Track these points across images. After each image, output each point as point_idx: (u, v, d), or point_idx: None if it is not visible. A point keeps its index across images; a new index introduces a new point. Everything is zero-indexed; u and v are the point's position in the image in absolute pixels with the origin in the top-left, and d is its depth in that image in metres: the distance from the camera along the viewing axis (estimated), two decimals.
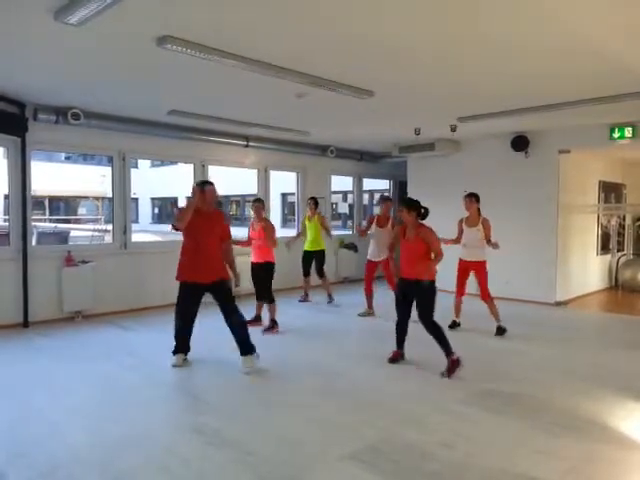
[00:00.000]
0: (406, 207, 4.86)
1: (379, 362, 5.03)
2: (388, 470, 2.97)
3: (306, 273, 8.26)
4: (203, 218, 4.74)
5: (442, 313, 7.06)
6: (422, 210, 4.85)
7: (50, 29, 3.77)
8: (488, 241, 6.20)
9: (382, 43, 4.13)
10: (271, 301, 6.34)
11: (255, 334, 6.17)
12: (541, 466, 3.01)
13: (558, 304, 8.11)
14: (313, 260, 8.15)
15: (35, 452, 3.17)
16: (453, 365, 4.61)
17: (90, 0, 3.23)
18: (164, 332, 6.11)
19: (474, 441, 3.35)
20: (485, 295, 6.26)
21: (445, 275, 7.47)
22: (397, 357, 5.03)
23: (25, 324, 6.45)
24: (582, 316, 7.73)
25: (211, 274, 4.71)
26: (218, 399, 4.11)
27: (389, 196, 7.67)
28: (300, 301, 8.36)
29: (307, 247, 8.19)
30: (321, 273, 8.18)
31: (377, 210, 8.23)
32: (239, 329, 4.77)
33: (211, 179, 8.48)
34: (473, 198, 6.32)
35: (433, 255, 4.77)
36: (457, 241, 6.38)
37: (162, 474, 2.93)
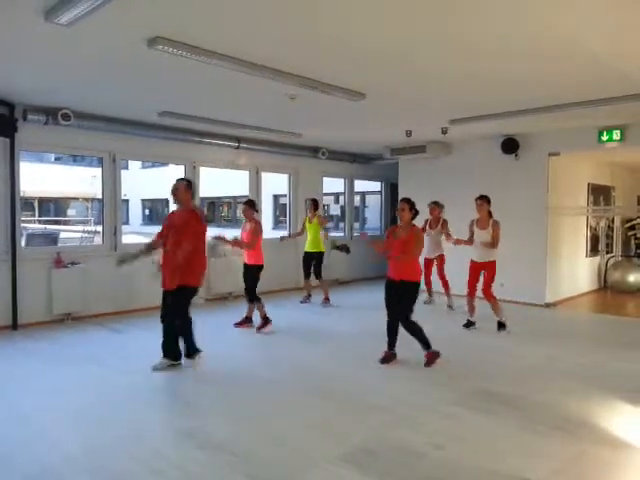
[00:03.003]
0: (409, 205, 5.02)
1: (372, 363, 5.03)
2: (380, 471, 2.97)
3: (307, 275, 8.25)
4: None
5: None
6: (415, 211, 5.09)
7: (40, 29, 3.75)
8: (488, 242, 6.29)
9: (374, 46, 4.15)
10: (256, 300, 6.40)
11: (249, 334, 6.19)
12: (531, 466, 3.03)
13: (548, 305, 8.17)
14: (312, 261, 8.13)
15: (23, 456, 3.14)
16: (432, 358, 4.93)
17: (80, 0, 3.21)
18: (154, 334, 6.07)
19: (466, 442, 3.36)
20: (488, 291, 6.38)
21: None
22: (389, 358, 5.06)
23: (14, 327, 6.38)
24: (571, 317, 7.79)
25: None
26: (210, 402, 4.09)
27: (437, 201, 8.06)
28: (302, 302, 8.33)
29: (307, 248, 8.19)
30: (319, 275, 8.16)
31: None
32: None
33: (202, 180, 8.53)
34: (484, 200, 6.43)
35: (407, 255, 4.88)
36: (470, 242, 6.49)
37: (154, 478, 2.91)
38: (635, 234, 10.65)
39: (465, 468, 3.02)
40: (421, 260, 7.75)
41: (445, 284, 7.98)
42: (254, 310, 6.51)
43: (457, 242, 6.60)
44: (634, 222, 10.73)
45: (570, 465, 3.07)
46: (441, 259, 8.01)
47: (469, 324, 6.54)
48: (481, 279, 6.46)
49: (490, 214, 6.46)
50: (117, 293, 7.33)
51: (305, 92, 5.41)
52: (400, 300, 4.93)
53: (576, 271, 9.34)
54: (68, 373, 4.74)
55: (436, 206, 8.00)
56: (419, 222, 6.46)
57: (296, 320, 7.18)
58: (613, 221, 10.53)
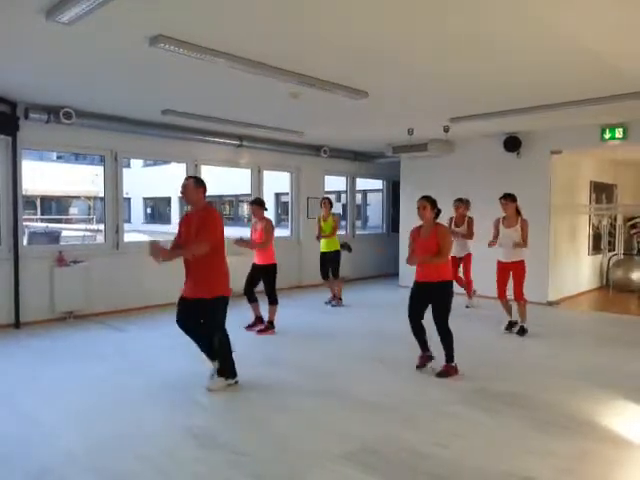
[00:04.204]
0: (430, 204, 4.69)
1: (376, 362, 5.03)
2: (383, 470, 2.97)
3: (325, 275, 8.10)
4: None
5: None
6: (438, 210, 4.76)
7: (41, 28, 3.75)
8: (520, 242, 6.05)
9: (375, 45, 4.14)
10: (274, 303, 6.28)
11: (249, 334, 6.19)
12: (536, 465, 3.02)
13: (550, 304, 8.15)
14: (329, 261, 8.03)
15: (25, 455, 3.15)
16: (449, 371, 4.63)
17: None
18: (157, 332, 6.09)
19: (470, 441, 3.36)
20: (520, 296, 6.19)
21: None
22: (425, 361, 4.79)
23: (16, 325, 6.39)
24: (574, 315, 7.78)
25: None
26: (212, 401, 4.09)
27: (462, 197, 7.85)
28: (327, 303, 8.17)
29: (323, 248, 8.07)
30: (336, 274, 8.05)
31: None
32: None
33: (203, 178, 8.49)
34: (509, 199, 6.17)
35: (437, 257, 4.59)
36: (494, 243, 6.22)
37: (156, 477, 2.91)
38: (638, 232, 10.60)
39: (468, 467, 3.01)
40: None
41: (469, 284, 7.82)
42: (259, 308, 6.40)
43: (490, 245, 6.22)
44: (636, 220, 10.69)
45: (574, 464, 3.06)
46: (468, 258, 7.73)
47: (511, 325, 6.30)
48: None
49: (518, 212, 6.18)
50: (119, 292, 7.33)
51: (307, 90, 5.40)
52: (434, 303, 4.63)
53: (578, 269, 9.33)
54: (70, 371, 4.75)
55: (461, 203, 7.74)
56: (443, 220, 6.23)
57: (298, 319, 7.17)
58: (615, 219, 10.50)
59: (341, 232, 11.50)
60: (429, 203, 4.67)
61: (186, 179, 4.38)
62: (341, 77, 5.07)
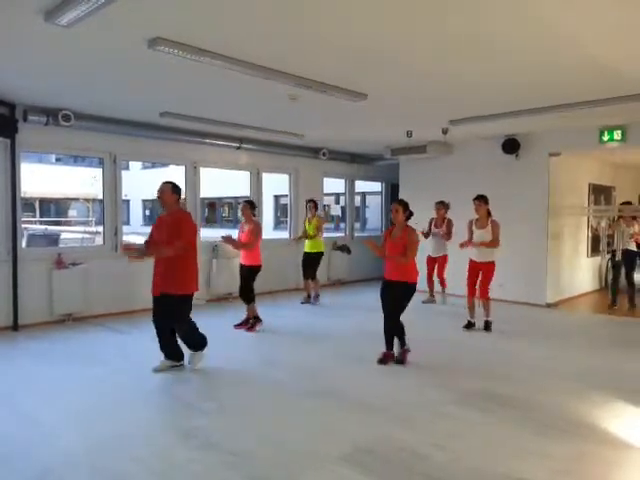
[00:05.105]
0: (402, 207, 5.06)
1: (372, 363, 5.03)
2: (380, 471, 2.97)
3: (306, 276, 8.25)
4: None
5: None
6: (410, 212, 5.12)
7: (40, 30, 3.76)
8: (489, 242, 6.35)
9: (374, 46, 4.15)
10: (250, 301, 6.40)
11: (248, 334, 6.19)
12: (533, 467, 3.02)
13: (549, 306, 8.16)
14: (312, 261, 8.14)
15: (24, 456, 3.14)
16: (404, 354, 5.02)
17: (81, 1, 3.22)
18: (154, 335, 6.08)
19: (466, 442, 3.36)
20: (484, 294, 6.42)
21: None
22: (387, 358, 5.06)
23: (15, 327, 6.39)
24: (572, 317, 7.78)
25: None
26: (210, 403, 4.08)
27: (443, 200, 8.28)
28: (303, 303, 8.31)
29: (306, 249, 8.20)
30: (313, 275, 8.18)
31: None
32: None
33: (202, 181, 8.52)
34: (482, 200, 6.46)
35: (405, 258, 4.90)
36: (469, 243, 6.49)
37: (154, 478, 2.91)
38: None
39: (465, 468, 3.01)
40: (424, 259, 7.87)
41: (442, 282, 8.20)
42: (253, 310, 6.47)
43: (466, 245, 6.48)
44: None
45: (571, 465, 3.06)
46: (444, 259, 8.12)
47: (469, 325, 6.52)
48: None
49: (489, 213, 6.50)
50: (118, 293, 7.33)
51: (306, 93, 5.41)
52: (393, 298, 4.97)
53: (577, 271, 9.33)
54: (69, 373, 4.74)
55: (442, 206, 8.13)
56: (424, 221, 6.48)
57: (295, 320, 7.17)
58: (614, 221, 10.50)
59: (340, 234, 11.54)
60: (401, 206, 5.06)
61: (164, 183, 4.72)
62: (340, 78, 5.07)
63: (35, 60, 4.61)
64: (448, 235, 7.94)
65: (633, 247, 8.00)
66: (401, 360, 5.00)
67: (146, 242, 4.84)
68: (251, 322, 6.42)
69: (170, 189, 4.66)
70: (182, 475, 2.95)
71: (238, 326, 6.50)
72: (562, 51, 4.26)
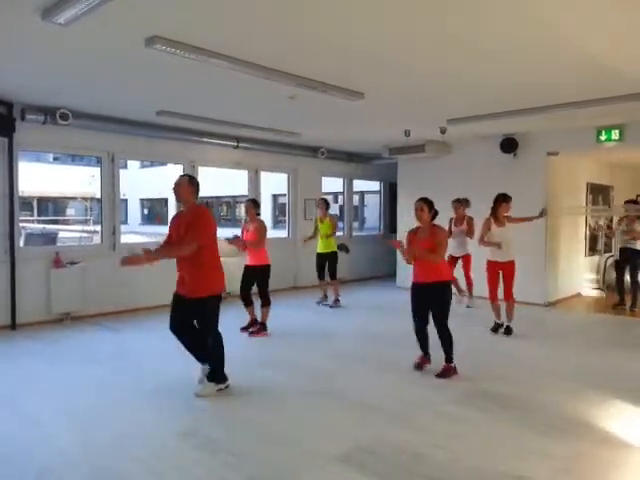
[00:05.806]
0: (428, 205, 4.71)
1: (372, 363, 5.03)
2: (380, 471, 2.97)
3: (320, 276, 8.13)
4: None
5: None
6: (435, 211, 4.77)
7: (38, 28, 3.74)
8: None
9: (374, 45, 4.15)
10: (267, 304, 6.21)
11: (244, 337, 6.18)
12: (533, 466, 3.03)
13: (548, 305, 8.17)
14: (326, 262, 8.03)
15: (23, 456, 3.13)
16: (449, 371, 4.64)
17: (78, 0, 3.20)
18: (154, 334, 6.07)
19: (466, 442, 3.36)
20: (510, 295, 6.20)
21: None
22: (424, 363, 4.84)
23: (13, 326, 6.37)
24: (571, 316, 7.79)
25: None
26: (210, 402, 4.08)
27: (459, 198, 7.95)
28: (318, 303, 8.22)
29: (319, 250, 8.07)
30: (333, 275, 8.04)
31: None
32: None
33: (200, 180, 8.48)
34: (509, 200, 6.31)
35: (434, 257, 4.60)
36: (495, 244, 6.16)
37: (153, 479, 2.90)
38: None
39: (465, 468, 3.02)
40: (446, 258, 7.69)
41: (469, 284, 7.88)
42: (267, 313, 6.26)
43: (490, 245, 6.20)
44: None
45: (571, 465, 3.07)
46: (467, 259, 7.79)
47: (498, 327, 6.31)
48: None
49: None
50: (116, 293, 7.31)
51: (304, 92, 5.40)
52: (433, 304, 4.65)
53: (575, 271, 9.34)
54: (67, 373, 4.73)
55: (460, 204, 7.82)
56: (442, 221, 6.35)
57: (295, 320, 7.17)
58: (612, 221, 10.52)
59: (338, 233, 11.54)
60: (426, 205, 4.69)
61: (181, 177, 4.35)
62: (339, 78, 5.07)
63: (33, 59, 4.59)
64: (471, 232, 7.54)
65: (638, 246, 7.89)
66: (442, 376, 4.60)
67: (165, 242, 4.40)
68: (258, 327, 6.23)
69: (187, 182, 4.19)
70: (182, 475, 2.94)
71: (253, 334, 6.19)
72: (562, 51, 4.26)
